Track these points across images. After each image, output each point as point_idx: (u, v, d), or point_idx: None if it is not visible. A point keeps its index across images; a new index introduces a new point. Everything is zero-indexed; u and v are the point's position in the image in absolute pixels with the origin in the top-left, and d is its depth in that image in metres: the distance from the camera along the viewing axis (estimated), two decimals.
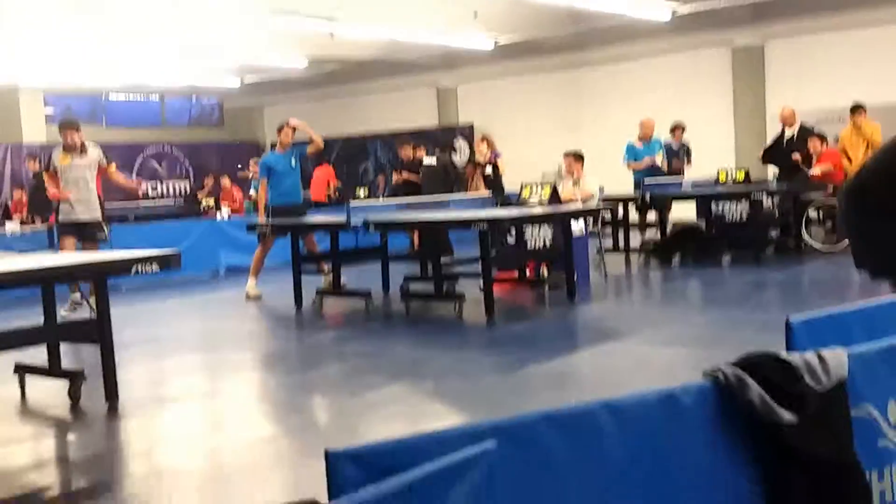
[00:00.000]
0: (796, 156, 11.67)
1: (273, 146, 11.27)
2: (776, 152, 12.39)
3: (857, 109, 11.75)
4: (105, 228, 9.04)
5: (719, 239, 11.16)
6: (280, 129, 10.26)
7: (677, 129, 13.35)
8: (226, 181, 17.48)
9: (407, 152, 12.94)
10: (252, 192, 16.07)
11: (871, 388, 2.02)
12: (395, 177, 13.22)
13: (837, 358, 1.99)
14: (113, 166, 8.97)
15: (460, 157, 18.75)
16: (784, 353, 2.01)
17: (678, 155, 13.27)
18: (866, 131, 11.52)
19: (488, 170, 12.78)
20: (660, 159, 12.62)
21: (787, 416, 1.86)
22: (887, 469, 2.01)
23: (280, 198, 10.13)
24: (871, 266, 4.39)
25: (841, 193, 4.36)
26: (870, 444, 1.99)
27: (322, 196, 16.29)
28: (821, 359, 1.98)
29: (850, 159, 11.57)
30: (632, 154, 12.69)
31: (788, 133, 12.10)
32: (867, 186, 4.16)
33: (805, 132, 11.98)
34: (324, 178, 17.17)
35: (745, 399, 1.87)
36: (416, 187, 12.55)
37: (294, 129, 10.25)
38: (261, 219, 10.08)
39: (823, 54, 15.46)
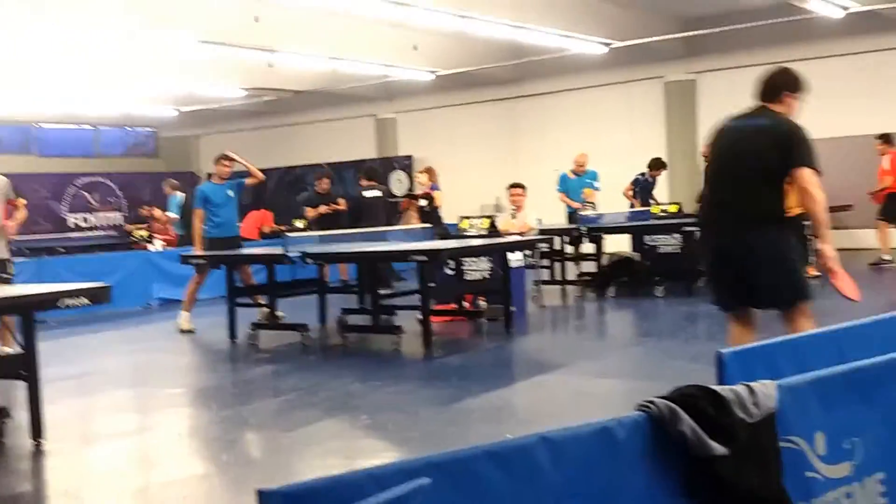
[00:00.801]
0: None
1: (209, 176, 11.10)
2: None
3: None
4: (10, 267, 8.28)
5: (653, 270, 11.33)
6: (217, 160, 10.12)
7: (660, 167, 13.42)
8: (158, 212, 17.19)
9: (323, 185, 12.70)
10: (170, 213, 15.87)
11: (800, 419, 2.06)
12: (309, 213, 12.48)
13: (767, 390, 2.02)
14: (21, 202, 7.98)
15: (399, 189, 18.76)
16: (715, 386, 2.03)
17: (652, 191, 13.34)
18: None
19: (423, 202, 12.71)
20: (588, 193, 12.77)
21: (718, 448, 1.88)
22: (815, 500, 2.04)
23: (215, 229, 9.98)
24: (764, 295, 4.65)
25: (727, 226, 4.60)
26: (798, 475, 2.02)
27: (253, 236, 16.10)
28: (751, 391, 2.01)
29: None
30: (564, 185, 12.83)
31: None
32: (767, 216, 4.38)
33: None
34: (258, 220, 16.97)
35: (677, 432, 1.88)
36: (338, 217, 12.28)
37: (232, 161, 10.13)
38: (196, 249, 9.92)
39: (753, 89, 15.89)
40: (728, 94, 16.47)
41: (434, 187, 13.11)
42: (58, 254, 14.62)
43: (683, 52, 16.20)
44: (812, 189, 4.42)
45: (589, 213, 12.41)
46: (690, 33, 14.97)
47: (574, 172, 12.88)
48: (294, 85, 17.99)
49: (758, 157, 4.59)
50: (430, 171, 13.28)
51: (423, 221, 12.04)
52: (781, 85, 4.83)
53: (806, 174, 4.43)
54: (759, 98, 4.86)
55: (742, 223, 4.60)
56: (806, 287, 4.67)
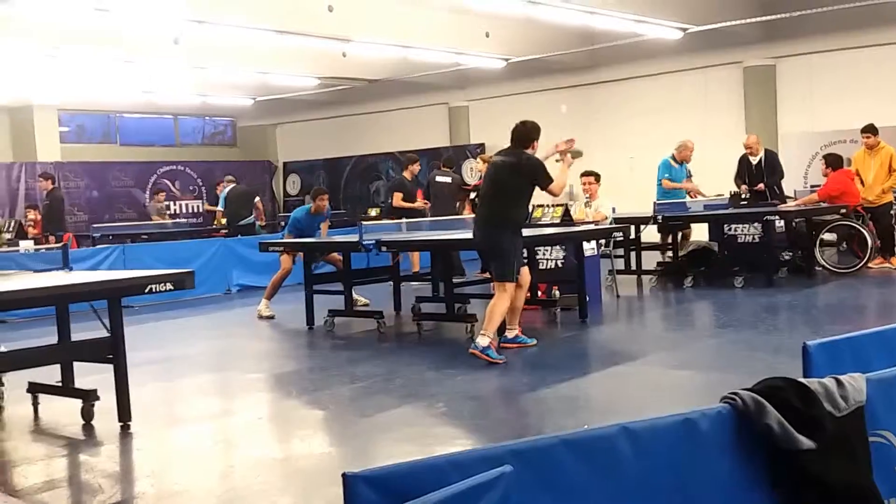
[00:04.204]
0: (760, 185, 11.81)
1: (304, 201, 11.25)
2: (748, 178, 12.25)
3: (868, 130, 11.70)
4: None
5: (732, 261, 11.09)
6: (316, 196, 10.48)
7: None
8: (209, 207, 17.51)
9: (413, 170, 12.54)
10: (220, 208, 16.04)
11: (890, 413, 2.01)
12: (397, 198, 12.43)
13: (856, 383, 1.98)
14: None
15: (471, 177, 18.72)
16: (802, 378, 2.00)
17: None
18: (880, 153, 11.49)
19: (472, 194, 12.49)
20: (685, 182, 12.34)
21: (805, 441, 1.85)
22: None
23: None
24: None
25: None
26: (887, 470, 1.98)
27: None
28: (839, 383, 1.97)
29: (862, 181, 11.53)
30: (668, 171, 12.20)
31: (754, 160, 12.09)
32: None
33: (771, 157, 12.02)
34: None
35: (763, 424, 1.86)
36: (417, 215, 12.18)
37: (328, 197, 10.52)
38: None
39: (836, 74, 15.44)
40: (809, 80, 16.14)
41: None
42: (141, 240, 15.02)
43: (763, 36, 15.79)
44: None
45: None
46: (770, 17, 14.59)
47: (676, 160, 12.22)
48: (367, 74, 18.10)
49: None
50: (484, 159, 13.00)
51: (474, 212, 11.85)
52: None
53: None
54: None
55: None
56: (511, 271, 7.02)
